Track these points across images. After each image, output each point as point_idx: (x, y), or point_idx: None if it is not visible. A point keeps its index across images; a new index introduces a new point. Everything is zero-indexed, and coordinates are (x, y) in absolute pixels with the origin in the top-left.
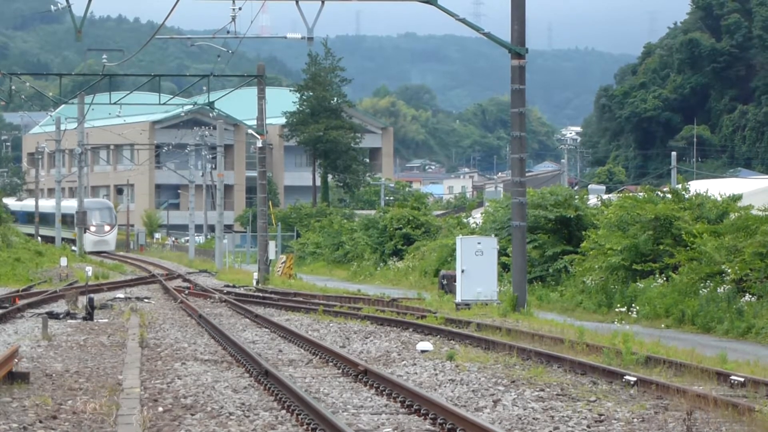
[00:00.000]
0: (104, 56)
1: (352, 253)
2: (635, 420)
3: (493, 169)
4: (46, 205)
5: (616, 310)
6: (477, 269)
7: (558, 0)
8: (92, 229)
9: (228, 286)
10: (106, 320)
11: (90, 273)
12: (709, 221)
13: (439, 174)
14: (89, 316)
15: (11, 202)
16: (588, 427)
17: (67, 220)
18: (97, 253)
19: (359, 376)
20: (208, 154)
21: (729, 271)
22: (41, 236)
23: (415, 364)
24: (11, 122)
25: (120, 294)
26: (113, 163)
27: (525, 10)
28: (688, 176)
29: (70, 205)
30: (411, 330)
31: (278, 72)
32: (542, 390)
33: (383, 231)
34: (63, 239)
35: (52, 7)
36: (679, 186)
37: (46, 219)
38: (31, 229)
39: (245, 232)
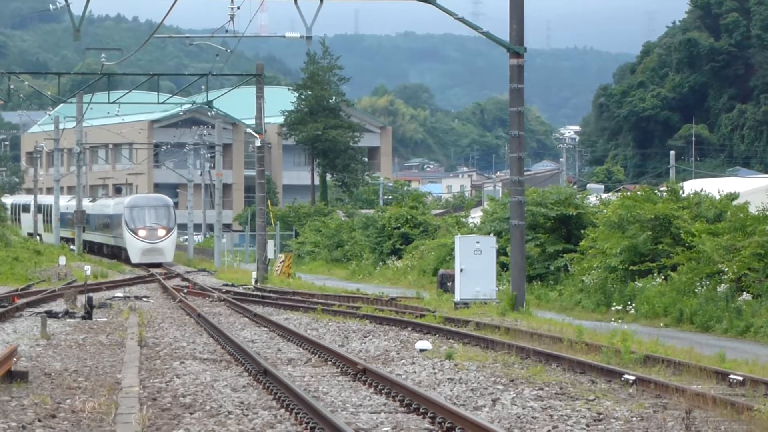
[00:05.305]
0: (103, 55)
1: (350, 252)
2: (634, 419)
3: (491, 168)
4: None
5: (615, 309)
6: (476, 268)
7: None
8: (141, 233)
9: (227, 285)
10: (105, 319)
11: (89, 272)
12: (708, 220)
13: (438, 173)
14: (88, 315)
15: (85, 204)
16: (587, 426)
17: (112, 221)
18: (148, 266)
19: (358, 375)
20: (206, 153)
21: (727, 270)
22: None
23: (413, 363)
24: (10, 121)
25: (119, 293)
26: (112, 162)
27: (523, 9)
28: (687, 175)
29: (104, 203)
30: (410, 329)
31: (277, 71)
32: (541, 389)
33: (382, 230)
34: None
35: (50, 6)
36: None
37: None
38: (97, 236)
39: (244, 231)
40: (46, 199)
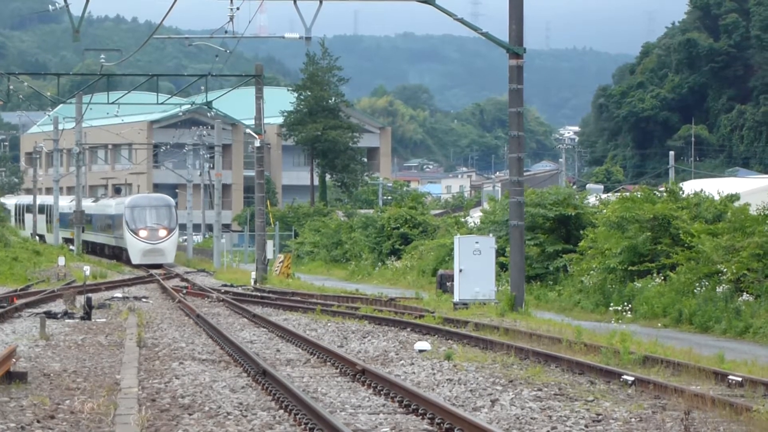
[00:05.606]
0: (102, 56)
1: (350, 252)
2: (633, 420)
3: (491, 168)
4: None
5: (614, 309)
6: (475, 269)
7: (556, 0)
8: (142, 234)
9: (226, 285)
10: (104, 320)
11: (88, 272)
12: (707, 221)
13: (437, 173)
14: (87, 316)
15: (87, 204)
16: (586, 426)
17: (114, 222)
18: (149, 267)
19: (357, 376)
20: (206, 153)
21: (726, 270)
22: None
23: (413, 364)
24: (9, 122)
25: (118, 293)
26: (111, 162)
27: (523, 9)
28: (686, 176)
29: (105, 203)
30: (409, 329)
31: (276, 72)
32: (540, 390)
33: (381, 230)
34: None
35: (50, 6)
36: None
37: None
38: (99, 237)
39: (243, 232)
40: (48, 200)
